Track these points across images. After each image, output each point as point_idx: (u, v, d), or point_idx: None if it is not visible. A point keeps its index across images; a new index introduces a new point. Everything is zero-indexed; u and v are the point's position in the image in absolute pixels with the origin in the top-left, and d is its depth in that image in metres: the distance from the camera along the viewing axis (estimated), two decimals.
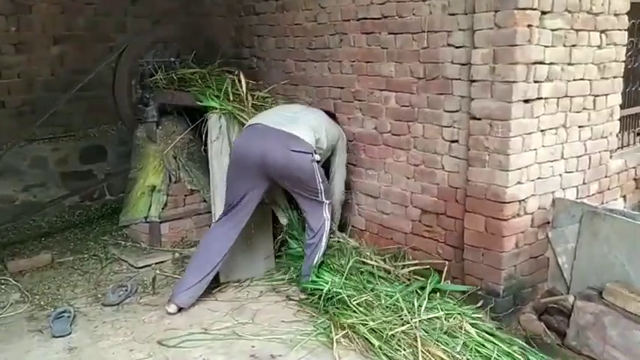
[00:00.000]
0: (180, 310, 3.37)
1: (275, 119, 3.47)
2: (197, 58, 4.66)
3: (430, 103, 3.58)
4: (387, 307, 3.10)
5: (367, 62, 3.90)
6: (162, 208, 4.34)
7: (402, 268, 3.48)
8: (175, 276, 3.91)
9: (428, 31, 3.51)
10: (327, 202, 3.50)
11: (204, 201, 4.53)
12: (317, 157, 3.37)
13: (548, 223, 3.34)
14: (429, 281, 3.30)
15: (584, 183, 3.54)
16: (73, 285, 3.81)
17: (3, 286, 3.73)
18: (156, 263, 4.13)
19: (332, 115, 3.88)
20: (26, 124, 5.09)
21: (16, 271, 3.99)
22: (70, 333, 3.14)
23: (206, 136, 3.76)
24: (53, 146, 5.19)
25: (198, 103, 3.77)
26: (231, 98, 3.70)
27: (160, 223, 4.33)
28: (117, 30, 5.54)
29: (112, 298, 3.54)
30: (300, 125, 3.44)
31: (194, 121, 4.39)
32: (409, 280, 3.40)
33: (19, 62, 5.09)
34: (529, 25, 3.00)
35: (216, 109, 3.67)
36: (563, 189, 3.42)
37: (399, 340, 2.82)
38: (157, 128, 4.37)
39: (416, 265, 3.51)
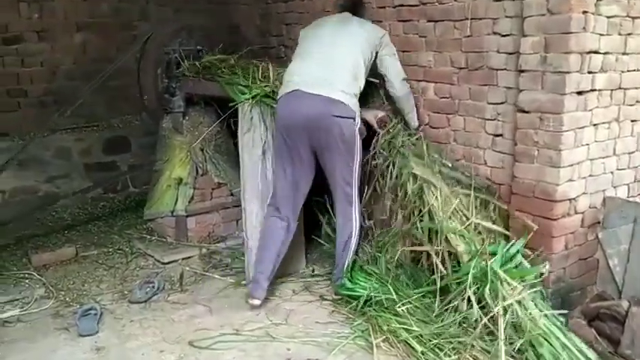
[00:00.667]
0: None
1: (313, 75, 3.19)
2: (222, 47, 4.50)
3: (472, 95, 3.40)
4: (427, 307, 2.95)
5: (404, 52, 3.71)
6: (189, 202, 4.21)
7: None
8: (205, 273, 3.77)
9: (471, 19, 3.32)
10: (357, 204, 3.35)
11: (232, 194, 4.39)
12: (359, 123, 3.25)
13: (599, 223, 3.15)
14: None
15: (635, 181, 3.34)
16: (98, 280, 3.70)
17: (27, 281, 3.62)
18: (183, 259, 4.01)
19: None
20: (49, 114, 4.97)
21: (40, 264, 3.88)
22: (97, 332, 3.03)
23: (236, 128, 3.60)
24: (76, 136, 5.08)
25: (228, 93, 3.61)
26: (261, 89, 3.52)
27: (187, 217, 4.20)
28: (140, 18, 5.41)
29: (139, 294, 3.42)
30: (339, 80, 3.18)
31: (222, 112, 4.25)
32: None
33: (42, 50, 4.98)
34: (584, 12, 2.80)
35: (247, 99, 3.50)
36: (615, 187, 3.22)
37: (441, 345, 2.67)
38: (183, 119, 4.23)
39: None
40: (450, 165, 3.41)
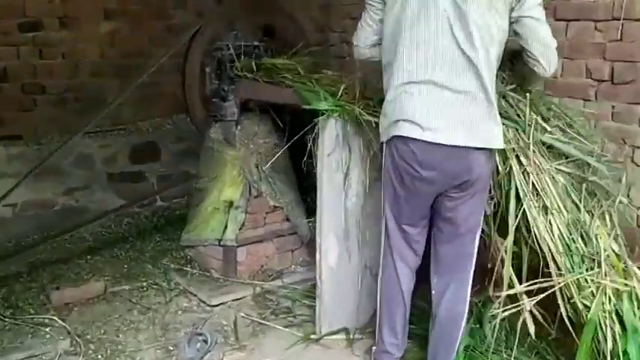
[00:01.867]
0: None
1: (447, 104, 2.13)
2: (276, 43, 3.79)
3: (616, 116, 2.69)
4: None
5: None
6: (240, 229, 3.48)
7: None
8: (264, 322, 3.06)
9: (624, 19, 2.61)
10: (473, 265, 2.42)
11: (288, 219, 3.67)
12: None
13: None
14: None
15: None
16: (134, 328, 2.99)
17: (48, 329, 2.90)
18: (233, 300, 3.29)
19: None
20: (70, 114, 4.28)
21: (62, 303, 3.17)
22: None
23: (313, 145, 2.88)
24: (100, 142, 4.36)
25: (305, 101, 2.87)
26: (351, 97, 2.80)
27: (237, 247, 3.47)
28: (176, 5, 4.68)
29: (189, 353, 2.71)
30: (484, 92, 2.13)
31: (280, 120, 3.54)
32: None
33: (64, 40, 4.26)
34: None
35: (332, 111, 2.78)
36: None
37: None
38: (236, 129, 3.50)
39: None
40: None
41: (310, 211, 3.61)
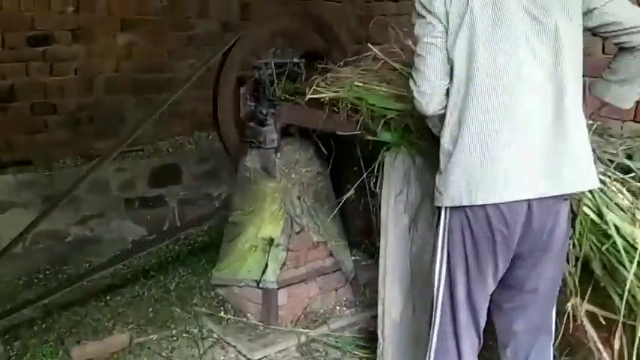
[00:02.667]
0: None
1: (538, 152, 1.70)
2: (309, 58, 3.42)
3: None
4: None
5: None
6: (280, 269, 3.10)
7: None
8: None
9: None
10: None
11: (331, 255, 3.30)
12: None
13: None
14: None
15: None
16: None
17: None
18: (277, 352, 2.91)
19: None
20: (83, 136, 3.89)
21: None
22: None
23: (376, 183, 2.51)
24: (117, 165, 3.96)
25: (367, 134, 2.49)
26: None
27: (278, 289, 3.10)
28: (198, 14, 4.29)
29: None
30: (573, 128, 1.72)
31: (326, 145, 3.17)
32: None
33: (77, 54, 3.88)
34: None
35: (399, 145, 2.40)
36: None
37: None
38: (276, 157, 3.12)
39: None
40: None
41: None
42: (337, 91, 2.59)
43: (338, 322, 3.19)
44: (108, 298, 3.44)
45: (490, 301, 1.89)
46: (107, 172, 3.95)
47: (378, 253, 2.81)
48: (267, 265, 3.09)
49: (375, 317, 3.14)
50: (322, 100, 2.65)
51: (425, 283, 2.56)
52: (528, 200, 1.70)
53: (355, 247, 3.59)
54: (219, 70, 3.24)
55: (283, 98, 3.06)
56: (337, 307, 3.32)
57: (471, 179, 1.73)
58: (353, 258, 3.47)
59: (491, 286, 1.84)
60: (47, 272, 3.72)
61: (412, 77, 1.88)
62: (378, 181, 2.49)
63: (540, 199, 1.70)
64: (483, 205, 1.72)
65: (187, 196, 4.29)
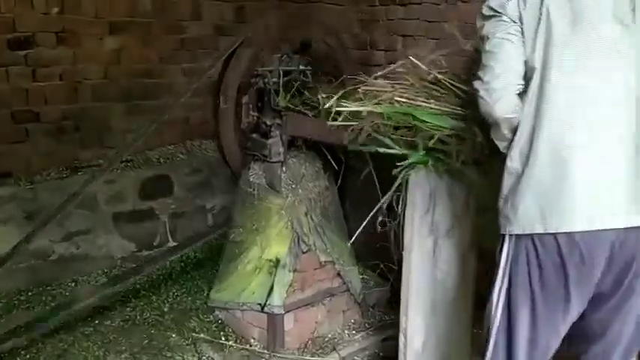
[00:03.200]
0: None
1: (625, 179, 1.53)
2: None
3: None
4: None
5: None
6: (286, 291, 2.89)
7: None
8: None
9: None
10: None
11: (339, 275, 3.09)
12: None
13: None
14: None
15: None
16: None
17: None
18: None
19: None
20: (69, 146, 3.63)
21: None
22: None
23: (397, 203, 2.31)
24: (105, 177, 3.68)
25: (388, 149, 2.29)
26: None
27: (285, 313, 2.88)
28: (191, 17, 4.05)
29: None
30: None
31: (335, 159, 2.97)
32: None
33: (61, 58, 3.61)
34: None
35: (425, 162, 2.21)
36: None
37: None
38: (281, 171, 2.91)
39: None
40: None
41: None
42: (363, 105, 2.37)
43: (348, 347, 2.99)
44: (97, 322, 3.18)
45: (558, 351, 1.68)
46: (95, 185, 3.67)
47: (393, 273, 2.64)
48: (272, 288, 2.87)
49: (386, 340, 2.98)
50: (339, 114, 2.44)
51: (449, 313, 2.39)
52: (615, 230, 1.49)
53: (361, 265, 3.38)
54: (220, 76, 3.00)
55: (291, 108, 2.84)
56: (346, 331, 3.12)
57: (545, 204, 1.53)
58: (360, 277, 3.27)
59: (561, 330, 1.64)
60: (30, 294, 3.45)
61: (478, 76, 1.68)
62: (401, 200, 2.29)
63: (628, 228, 1.50)
64: (555, 234, 1.52)
65: (179, 209, 4.05)
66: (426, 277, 2.34)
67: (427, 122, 2.17)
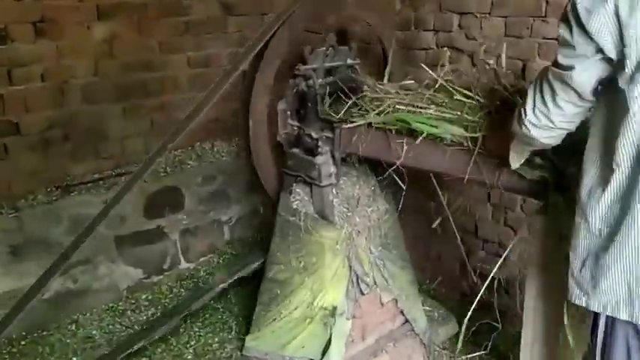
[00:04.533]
0: None
1: None
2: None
3: None
4: None
5: None
6: (345, 344, 2.34)
7: None
8: None
9: None
10: None
11: (401, 313, 2.55)
12: None
13: None
14: None
15: None
16: None
17: None
18: None
19: None
20: (57, 160, 3.00)
21: None
22: None
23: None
24: (103, 195, 3.07)
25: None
26: None
27: None
28: None
29: None
30: None
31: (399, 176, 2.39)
32: None
33: (42, 55, 2.95)
34: None
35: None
36: None
37: None
38: (333, 196, 2.32)
39: None
40: None
41: None
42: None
43: None
44: None
45: None
46: (92, 205, 3.05)
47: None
48: (329, 343, 2.31)
49: None
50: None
51: None
52: None
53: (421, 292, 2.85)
54: (250, 77, 2.37)
55: (345, 119, 2.23)
56: None
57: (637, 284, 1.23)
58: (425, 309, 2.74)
59: None
60: (23, 343, 2.86)
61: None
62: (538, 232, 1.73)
63: None
64: None
65: (191, 225, 3.46)
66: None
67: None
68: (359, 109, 2.22)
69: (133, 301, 3.23)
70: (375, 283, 2.41)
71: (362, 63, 2.49)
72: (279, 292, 2.46)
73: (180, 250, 3.45)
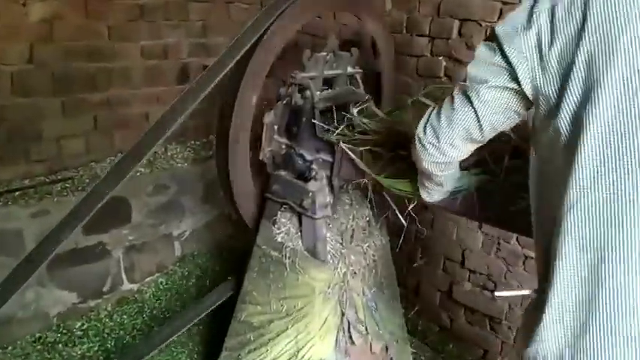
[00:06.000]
0: None
1: None
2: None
3: None
4: None
5: None
6: None
7: None
8: None
9: None
10: None
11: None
12: None
13: None
14: None
15: None
16: None
17: None
18: None
19: None
20: None
21: None
22: None
23: None
24: (33, 207, 2.57)
25: None
26: None
27: None
28: None
29: None
30: None
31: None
32: None
33: None
34: None
35: None
36: None
37: None
38: (327, 230, 1.95)
39: None
40: None
41: None
42: None
43: None
44: None
45: None
46: (18, 219, 2.55)
47: None
48: None
49: None
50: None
51: None
52: None
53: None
54: (232, 79, 1.94)
55: (345, 138, 1.87)
56: None
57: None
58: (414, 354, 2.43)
59: None
60: None
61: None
62: None
63: None
64: None
65: (138, 241, 2.99)
66: None
67: None
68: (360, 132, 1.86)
69: (65, 331, 2.73)
70: (367, 329, 2.07)
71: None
72: (252, 338, 2.07)
73: (124, 270, 2.98)
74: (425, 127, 1.22)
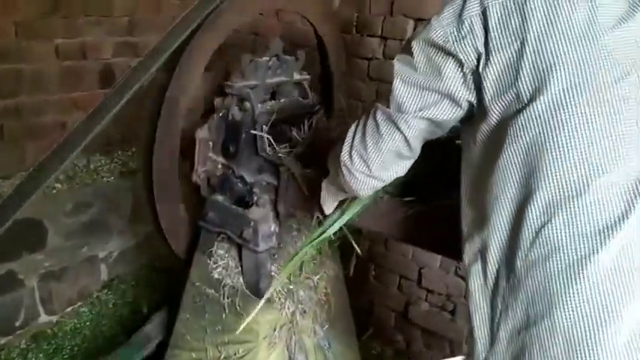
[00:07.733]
0: None
1: None
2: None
3: None
4: None
5: None
6: None
7: None
8: None
9: None
10: None
11: None
12: None
13: None
14: None
15: None
16: None
17: None
18: None
19: None
20: None
21: None
22: None
23: None
24: None
25: None
26: None
27: None
28: None
29: None
30: None
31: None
32: None
33: None
34: None
35: None
36: None
37: None
38: (272, 262, 1.68)
39: None
40: None
41: None
42: None
43: None
44: None
45: None
46: None
47: None
48: None
49: None
50: None
51: None
52: None
53: None
54: (158, 92, 1.63)
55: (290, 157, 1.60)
56: None
57: None
58: None
59: None
60: None
61: None
62: None
63: None
64: None
65: (56, 267, 2.63)
66: None
67: None
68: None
69: None
70: None
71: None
72: None
73: (40, 301, 2.62)
74: (350, 153, 1.14)
